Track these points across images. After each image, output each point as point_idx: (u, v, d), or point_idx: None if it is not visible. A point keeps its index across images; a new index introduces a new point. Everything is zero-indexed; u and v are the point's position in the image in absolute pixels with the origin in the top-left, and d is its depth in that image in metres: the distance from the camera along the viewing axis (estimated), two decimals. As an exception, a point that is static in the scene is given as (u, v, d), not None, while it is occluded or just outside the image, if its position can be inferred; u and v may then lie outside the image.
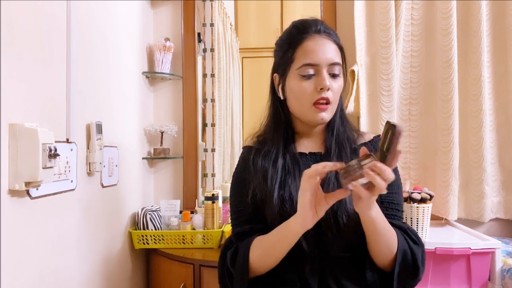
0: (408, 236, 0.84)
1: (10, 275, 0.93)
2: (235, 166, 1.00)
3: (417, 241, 0.85)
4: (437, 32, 1.67)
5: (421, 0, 1.71)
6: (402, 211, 0.92)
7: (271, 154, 0.91)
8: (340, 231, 0.82)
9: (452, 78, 1.62)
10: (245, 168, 0.94)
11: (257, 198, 0.88)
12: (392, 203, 0.89)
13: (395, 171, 0.89)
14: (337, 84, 0.88)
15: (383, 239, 0.78)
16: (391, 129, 0.64)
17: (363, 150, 0.70)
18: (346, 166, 0.69)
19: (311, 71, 0.86)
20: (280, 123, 0.94)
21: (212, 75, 2.09)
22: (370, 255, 0.83)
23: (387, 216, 0.82)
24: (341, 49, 0.91)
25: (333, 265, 0.85)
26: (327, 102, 0.86)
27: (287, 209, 0.83)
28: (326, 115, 0.88)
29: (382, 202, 0.88)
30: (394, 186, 0.89)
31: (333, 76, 0.87)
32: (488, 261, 1.39)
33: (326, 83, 0.84)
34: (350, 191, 0.70)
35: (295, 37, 0.89)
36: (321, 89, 0.85)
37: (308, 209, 0.72)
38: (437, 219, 1.70)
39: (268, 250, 0.83)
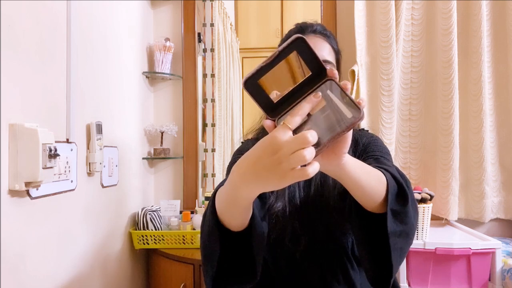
0: (399, 174, 0.69)
1: (10, 275, 0.93)
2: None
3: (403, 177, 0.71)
4: (438, 32, 1.67)
5: (422, 0, 1.71)
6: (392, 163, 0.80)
7: None
8: (324, 206, 0.83)
9: (452, 78, 1.62)
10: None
11: None
12: (375, 158, 0.79)
13: (376, 138, 0.90)
14: None
15: (372, 185, 0.61)
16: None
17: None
18: None
19: None
20: None
21: (212, 75, 2.09)
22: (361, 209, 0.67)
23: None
24: (336, 52, 0.92)
25: (323, 255, 0.86)
26: None
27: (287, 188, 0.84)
28: None
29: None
30: (372, 145, 0.85)
31: None
32: (489, 261, 1.39)
33: None
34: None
35: (292, 36, 0.91)
36: None
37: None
38: (438, 219, 1.70)
39: (225, 209, 0.63)
